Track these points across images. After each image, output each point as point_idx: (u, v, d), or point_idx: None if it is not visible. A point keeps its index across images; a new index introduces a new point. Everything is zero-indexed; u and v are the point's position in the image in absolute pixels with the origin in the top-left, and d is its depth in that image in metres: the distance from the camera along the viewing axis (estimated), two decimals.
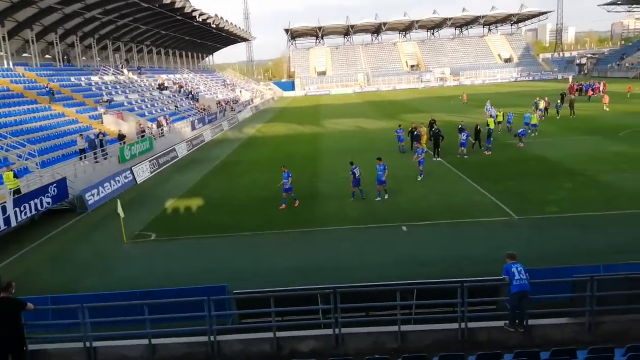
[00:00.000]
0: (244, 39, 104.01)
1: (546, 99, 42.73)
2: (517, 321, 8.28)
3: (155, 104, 49.13)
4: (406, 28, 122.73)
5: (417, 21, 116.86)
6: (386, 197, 20.39)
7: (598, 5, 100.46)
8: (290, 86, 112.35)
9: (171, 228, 18.78)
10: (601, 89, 58.19)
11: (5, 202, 17.98)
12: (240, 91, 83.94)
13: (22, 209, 18.67)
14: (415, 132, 29.55)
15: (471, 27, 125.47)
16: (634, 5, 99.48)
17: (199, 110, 54.69)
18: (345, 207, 20.00)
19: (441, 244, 15.62)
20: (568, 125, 36.75)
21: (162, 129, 38.87)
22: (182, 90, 60.73)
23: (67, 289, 13.30)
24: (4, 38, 37.97)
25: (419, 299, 9.28)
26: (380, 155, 21.89)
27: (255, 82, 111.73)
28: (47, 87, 37.06)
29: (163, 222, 19.71)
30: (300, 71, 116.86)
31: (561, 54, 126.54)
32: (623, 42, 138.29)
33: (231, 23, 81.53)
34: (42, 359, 8.68)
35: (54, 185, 21.08)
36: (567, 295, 9.04)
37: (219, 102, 61.85)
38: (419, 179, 23.08)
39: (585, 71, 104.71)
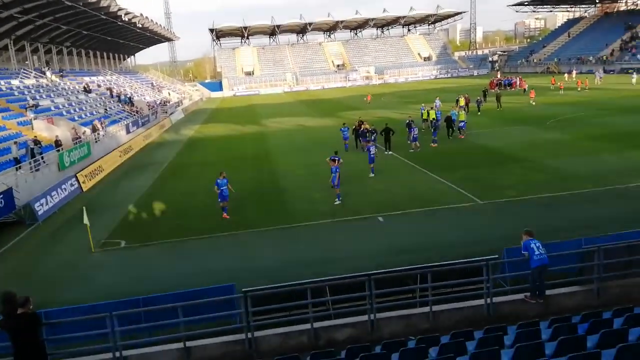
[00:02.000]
0: (168, 39, 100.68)
1: (466, 95, 43.80)
2: (537, 292, 8.95)
3: (84, 108, 46.32)
4: (331, 28, 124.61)
5: (342, 22, 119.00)
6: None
7: (507, 6, 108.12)
8: (218, 87, 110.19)
9: (140, 234, 17.98)
10: (518, 83, 62.83)
11: None
12: (169, 93, 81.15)
13: None
14: (361, 130, 29.83)
15: (392, 28, 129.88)
16: (538, 6, 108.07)
17: (129, 113, 52.28)
18: (316, 203, 20.19)
19: (421, 230, 16.32)
20: (498, 117, 39.34)
21: (97, 134, 36.78)
22: (112, 93, 57.68)
23: (46, 304, 12.38)
24: None
25: (439, 281, 9.67)
26: (333, 151, 22.08)
27: (180, 83, 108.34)
28: None
29: (129, 229, 18.81)
30: (227, 71, 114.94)
31: (474, 52, 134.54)
32: (528, 40, 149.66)
33: (156, 23, 78.66)
34: None
35: (0, 196, 19.40)
36: (576, 265, 9.86)
37: (149, 104, 59.44)
38: (371, 176, 23.45)
39: (497, 67, 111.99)
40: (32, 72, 48.56)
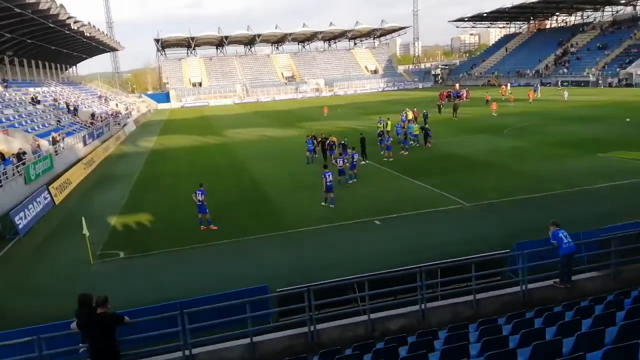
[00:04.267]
0: (113, 49, 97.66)
1: (415, 110, 44.20)
2: (565, 278, 9.88)
3: (35, 119, 44.19)
4: (279, 40, 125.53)
5: (290, 34, 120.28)
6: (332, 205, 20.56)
7: (449, 21, 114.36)
8: (165, 98, 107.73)
9: (137, 245, 17.65)
10: (466, 95, 66.21)
11: None
12: (117, 104, 78.61)
13: None
14: (328, 142, 29.24)
15: (339, 41, 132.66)
16: (477, 22, 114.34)
17: (82, 125, 50.35)
18: (308, 209, 20.59)
19: (421, 231, 17.14)
20: (456, 127, 41.39)
21: (58, 146, 35.29)
22: (58, 104, 55.29)
23: (58, 317, 12.01)
24: None
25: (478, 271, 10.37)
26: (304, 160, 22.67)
27: (125, 95, 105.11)
28: None
29: (124, 240, 18.38)
30: (174, 82, 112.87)
31: (417, 66, 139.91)
32: (466, 54, 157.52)
33: (102, 32, 76.30)
34: None
35: None
36: (594, 252, 10.92)
37: (100, 116, 57.46)
38: (351, 182, 24.04)
39: (441, 80, 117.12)
40: None
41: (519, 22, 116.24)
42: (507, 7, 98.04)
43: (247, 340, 8.60)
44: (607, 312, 7.63)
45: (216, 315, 9.79)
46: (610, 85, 72.92)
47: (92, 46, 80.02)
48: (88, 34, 65.29)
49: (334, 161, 24.85)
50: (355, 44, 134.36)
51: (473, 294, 9.59)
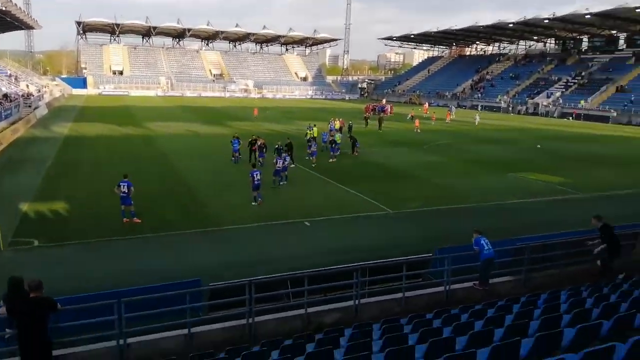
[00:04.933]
0: (30, 27, 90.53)
1: (341, 119, 44.56)
2: (484, 281, 10.78)
3: None
4: (210, 37, 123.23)
5: (222, 32, 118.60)
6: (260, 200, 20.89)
7: (378, 39, 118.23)
8: (82, 83, 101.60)
9: (53, 233, 16.55)
10: (390, 110, 68.96)
11: None
12: (27, 85, 72.89)
13: None
14: (258, 144, 28.93)
15: (271, 45, 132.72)
16: (404, 42, 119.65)
17: None
18: (235, 206, 20.48)
19: (346, 234, 17.70)
20: (380, 139, 43.05)
21: None
22: None
23: None
24: None
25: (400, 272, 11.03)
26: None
27: (37, 76, 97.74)
28: None
29: (38, 228, 17.19)
30: (93, 68, 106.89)
31: (345, 78, 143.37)
32: (391, 71, 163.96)
33: (19, 8, 70.63)
34: None
35: None
36: (509, 259, 11.97)
37: (11, 96, 53.06)
38: (282, 184, 24.28)
39: (366, 94, 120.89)
40: None
41: (442, 47, 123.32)
42: (433, 32, 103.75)
43: (185, 331, 8.51)
44: (522, 309, 8.48)
45: (150, 306, 9.55)
46: (519, 112, 79.38)
47: (6, 21, 73.77)
48: (3, 8, 60.19)
49: (273, 161, 24.71)
50: (287, 49, 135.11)
51: (402, 292, 10.17)
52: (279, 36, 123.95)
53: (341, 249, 16.05)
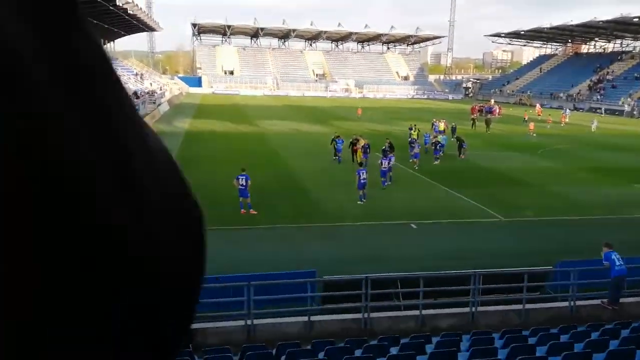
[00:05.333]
0: (152, 29, 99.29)
1: (444, 120, 43.22)
2: (614, 300, 10.15)
3: None
4: (313, 37, 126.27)
5: (325, 32, 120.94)
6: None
7: (485, 35, 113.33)
8: (197, 82, 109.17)
9: None
10: (498, 111, 65.93)
11: None
12: (151, 84, 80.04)
13: None
14: (362, 146, 28.82)
15: (373, 44, 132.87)
16: (513, 39, 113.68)
17: None
18: (345, 205, 21.02)
19: (456, 239, 17.42)
20: (490, 142, 41.41)
21: None
22: None
23: None
24: None
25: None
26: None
27: (158, 75, 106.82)
28: None
29: None
30: (207, 68, 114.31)
31: (448, 77, 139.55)
32: (499, 70, 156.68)
33: (144, 11, 77.79)
34: (200, 335, 8.70)
35: None
36: None
37: (138, 94, 58.69)
38: (387, 184, 24.30)
39: (471, 94, 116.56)
40: None
41: (555, 44, 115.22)
42: (546, 27, 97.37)
43: (305, 318, 9.04)
44: None
45: (272, 292, 10.27)
46: None
47: (133, 24, 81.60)
48: (131, 12, 66.66)
49: (378, 162, 24.87)
50: (388, 48, 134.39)
51: (523, 303, 9.90)
52: (381, 35, 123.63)
53: (450, 254, 15.85)
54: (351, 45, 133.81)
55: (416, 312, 9.55)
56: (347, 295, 10.17)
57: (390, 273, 11.13)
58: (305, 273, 11.91)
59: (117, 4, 58.84)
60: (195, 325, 8.65)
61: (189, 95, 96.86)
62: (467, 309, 9.77)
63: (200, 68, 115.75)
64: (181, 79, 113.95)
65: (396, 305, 10.21)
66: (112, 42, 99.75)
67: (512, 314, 9.95)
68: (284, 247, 16.27)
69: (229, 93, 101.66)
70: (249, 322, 8.75)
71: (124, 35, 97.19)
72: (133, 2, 66.08)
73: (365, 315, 9.23)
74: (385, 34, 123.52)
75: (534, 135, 45.50)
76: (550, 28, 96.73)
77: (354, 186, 21.51)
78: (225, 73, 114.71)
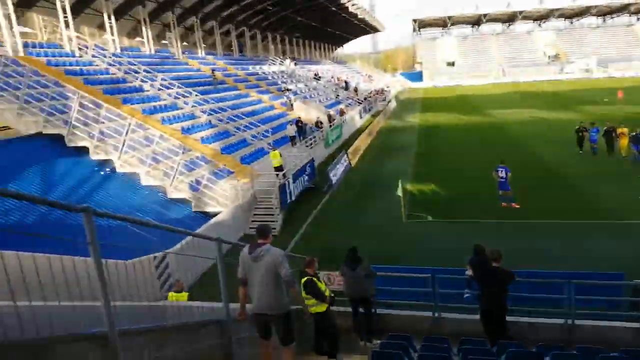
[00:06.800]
0: (377, 30, 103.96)
1: None
2: None
3: (320, 93, 50.33)
4: (542, 17, 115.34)
5: (557, 10, 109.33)
6: None
7: None
8: (418, 77, 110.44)
9: (440, 211, 18.70)
10: None
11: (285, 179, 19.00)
12: (378, 82, 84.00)
13: (296, 185, 19.69)
14: (633, 135, 24.57)
15: (617, 16, 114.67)
16: None
17: (355, 100, 55.30)
18: (623, 198, 18.56)
19: None
20: None
21: (344, 118, 39.61)
22: (338, 81, 61.93)
23: (386, 259, 13.28)
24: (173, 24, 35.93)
25: None
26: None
27: (383, 74, 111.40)
28: (237, 75, 39.22)
29: (425, 205, 19.62)
30: (427, 62, 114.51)
31: None
32: None
33: (370, 14, 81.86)
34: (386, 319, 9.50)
35: (308, 164, 22.06)
36: None
37: (372, 93, 62.31)
38: None
39: None
40: (278, 60, 54.40)
41: None
42: None
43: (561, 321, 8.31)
44: None
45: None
46: None
47: (360, 27, 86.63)
48: (361, 17, 70.81)
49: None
50: (638, 19, 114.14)
51: None
52: (628, 4, 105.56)
53: None
54: (589, 20, 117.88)
55: None
56: None
57: None
58: (610, 275, 10.84)
59: (350, 10, 63.20)
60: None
61: (411, 90, 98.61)
62: None
63: (420, 63, 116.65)
64: (402, 75, 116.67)
65: None
66: (341, 47, 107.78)
67: None
68: (556, 242, 15.12)
69: (450, 85, 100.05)
70: (569, 321, 8.40)
71: (351, 39, 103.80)
72: (362, 7, 70.20)
73: None
74: (635, 3, 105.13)
75: None
76: None
77: (629, 178, 18.82)
78: (447, 65, 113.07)
